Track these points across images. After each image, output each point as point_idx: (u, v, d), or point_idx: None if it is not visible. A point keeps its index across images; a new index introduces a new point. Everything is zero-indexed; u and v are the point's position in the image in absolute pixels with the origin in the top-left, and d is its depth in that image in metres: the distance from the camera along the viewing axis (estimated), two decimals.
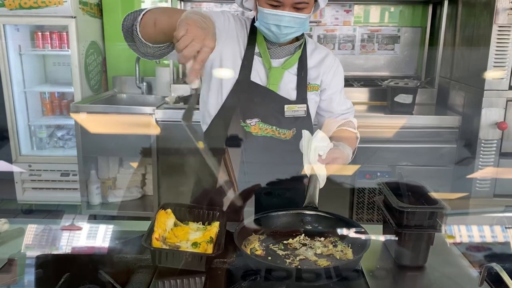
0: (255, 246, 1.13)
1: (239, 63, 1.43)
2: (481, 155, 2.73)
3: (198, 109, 1.59)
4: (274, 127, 1.44)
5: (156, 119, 2.97)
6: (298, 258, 1.09)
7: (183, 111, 1.07)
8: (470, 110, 2.83)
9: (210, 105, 1.47)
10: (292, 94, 1.46)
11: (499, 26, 2.56)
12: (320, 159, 1.27)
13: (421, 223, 1.10)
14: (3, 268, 1.08)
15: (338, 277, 0.98)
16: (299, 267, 1.05)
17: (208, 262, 1.03)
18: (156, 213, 1.15)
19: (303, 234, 1.19)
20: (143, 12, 1.20)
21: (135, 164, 3.46)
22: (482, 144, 2.72)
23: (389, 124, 2.91)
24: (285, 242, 1.16)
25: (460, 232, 1.29)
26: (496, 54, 2.59)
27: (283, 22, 1.32)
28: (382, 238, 1.25)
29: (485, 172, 2.76)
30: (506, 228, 1.29)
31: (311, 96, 1.49)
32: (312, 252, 1.12)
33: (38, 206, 3.57)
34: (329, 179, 1.29)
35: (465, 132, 2.85)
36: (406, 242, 1.12)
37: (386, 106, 3.15)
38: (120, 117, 3.03)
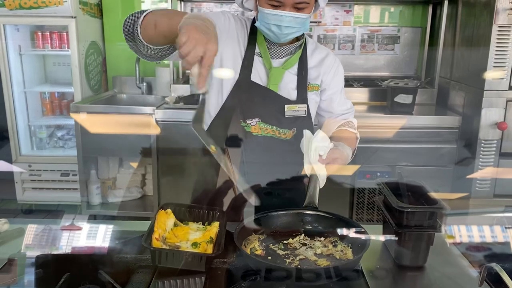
0: (255, 246, 1.13)
1: (240, 63, 1.43)
2: (481, 155, 2.74)
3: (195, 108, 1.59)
4: (274, 127, 1.44)
5: (156, 119, 2.97)
6: (298, 258, 1.09)
7: (191, 115, 1.07)
8: (470, 110, 2.83)
9: (211, 105, 1.47)
10: (292, 94, 1.46)
11: (499, 26, 2.56)
12: (321, 159, 1.27)
13: (421, 223, 1.10)
14: (3, 268, 1.08)
15: (338, 277, 0.99)
16: (299, 267, 1.05)
17: (208, 262, 1.03)
18: (156, 213, 1.15)
19: (303, 234, 1.19)
20: (144, 14, 1.20)
21: (135, 164, 3.46)
22: (482, 144, 2.72)
23: (389, 124, 2.91)
24: (285, 242, 1.16)
25: (460, 232, 1.29)
26: (496, 54, 2.59)
27: (284, 22, 1.32)
28: (382, 238, 1.25)
29: (485, 172, 2.76)
30: (506, 228, 1.29)
31: (312, 96, 1.49)
32: (312, 252, 1.12)
33: (38, 206, 3.57)
34: (329, 179, 1.29)
35: (465, 132, 2.85)
36: (406, 242, 1.12)
37: (386, 106, 3.15)
38: (120, 117, 3.03)
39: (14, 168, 3.41)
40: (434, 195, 1.16)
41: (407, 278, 1.14)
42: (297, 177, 1.37)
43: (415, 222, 1.10)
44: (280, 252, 1.12)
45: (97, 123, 3.08)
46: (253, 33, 1.45)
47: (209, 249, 1.05)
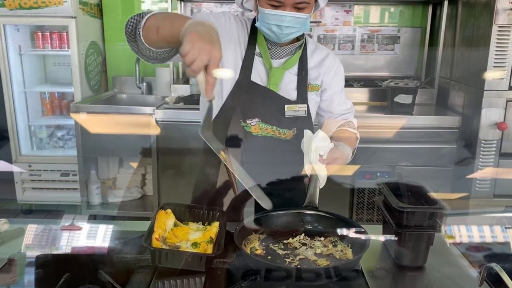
0: (255, 246, 1.13)
1: (240, 64, 1.43)
2: (481, 156, 2.74)
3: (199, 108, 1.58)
4: (274, 127, 1.44)
5: (156, 119, 2.98)
6: (298, 258, 1.09)
7: (200, 122, 1.06)
8: (470, 110, 2.83)
9: None
10: (292, 94, 1.46)
11: (499, 27, 2.56)
12: (321, 159, 1.27)
13: (421, 223, 1.10)
14: (3, 268, 1.08)
15: (337, 277, 0.99)
16: (298, 266, 1.05)
17: (208, 262, 1.03)
18: (156, 213, 1.15)
19: (303, 234, 1.19)
20: (146, 17, 1.20)
21: (135, 164, 3.46)
22: (482, 145, 2.72)
23: (389, 125, 2.91)
24: (285, 241, 1.16)
25: (460, 232, 1.29)
26: (496, 55, 2.60)
27: (284, 22, 1.32)
28: (382, 238, 1.25)
29: (485, 172, 2.76)
30: (506, 228, 1.29)
31: (312, 96, 1.49)
32: (312, 252, 1.12)
33: (38, 206, 3.57)
34: (329, 179, 1.29)
35: (465, 133, 2.86)
36: (405, 242, 1.12)
37: (386, 107, 3.15)
38: (120, 117, 3.03)
39: (14, 168, 3.41)
40: (434, 195, 1.16)
41: (407, 278, 1.14)
42: (297, 177, 1.37)
43: (415, 222, 1.10)
44: (280, 252, 1.12)
45: (97, 123, 3.08)
46: (253, 34, 1.45)
47: (209, 249, 1.05)
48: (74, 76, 3.26)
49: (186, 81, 3.56)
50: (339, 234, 1.17)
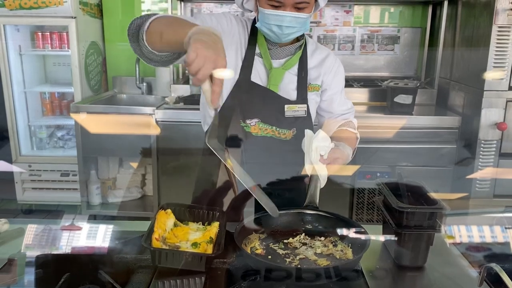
0: (255, 245, 1.13)
1: (240, 64, 1.43)
2: (480, 156, 2.74)
3: (198, 108, 1.58)
4: (274, 127, 1.44)
5: (156, 119, 2.98)
6: (298, 258, 1.09)
7: (206, 132, 1.06)
8: (470, 110, 2.83)
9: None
10: (292, 95, 1.46)
11: (499, 27, 2.56)
12: (322, 159, 1.27)
13: (420, 224, 1.10)
14: (3, 268, 1.08)
15: (337, 276, 0.99)
16: (299, 266, 1.05)
17: (208, 262, 1.04)
18: (156, 213, 1.15)
19: (303, 234, 1.19)
20: (149, 20, 1.19)
21: (135, 164, 3.46)
22: (482, 145, 2.72)
23: (389, 125, 2.91)
24: (285, 241, 1.16)
25: (460, 232, 1.29)
26: (495, 55, 2.60)
27: (285, 22, 1.33)
28: (381, 238, 1.25)
29: (484, 172, 2.76)
30: (505, 228, 1.29)
31: (312, 96, 1.49)
32: (312, 252, 1.12)
33: (38, 206, 3.57)
34: (329, 179, 1.29)
35: (465, 133, 2.86)
36: (405, 243, 1.12)
37: (386, 107, 3.15)
38: (120, 117, 3.03)
39: (14, 168, 3.41)
40: (434, 195, 1.16)
41: (406, 278, 1.14)
42: (297, 177, 1.37)
43: (414, 222, 1.10)
44: (280, 252, 1.12)
45: (97, 123, 3.08)
46: (254, 34, 1.45)
47: (209, 249, 1.05)
48: (74, 76, 3.26)
49: (186, 81, 3.56)
50: (340, 234, 1.17)
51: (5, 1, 3.12)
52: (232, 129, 1.42)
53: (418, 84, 3.11)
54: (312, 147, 1.27)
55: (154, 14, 1.22)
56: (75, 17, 3.16)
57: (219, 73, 0.97)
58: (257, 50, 1.45)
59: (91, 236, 1.23)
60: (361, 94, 3.35)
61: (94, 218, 3.28)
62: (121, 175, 3.54)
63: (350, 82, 3.42)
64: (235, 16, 1.48)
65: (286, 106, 1.44)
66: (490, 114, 2.68)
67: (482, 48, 2.66)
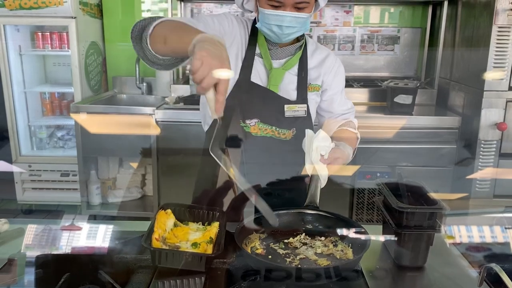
0: (255, 245, 1.13)
1: (240, 64, 1.44)
2: (480, 156, 2.74)
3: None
4: (273, 127, 1.44)
5: (156, 119, 2.98)
6: (298, 257, 1.09)
7: (209, 140, 1.06)
8: (470, 110, 2.84)
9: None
10: (292, 95, 1.46)
11: (499, 27, 2.56)
12: (322, 159, 1.27)
13: (420, 224, 1.10)
14: (3, 268, 1.08)
15: (337, 277, 0.99)
16: (299, 266, 1.06)
17: (208, 262, 1.03)
18: (156, 214, 1.15)
19: (303, 233, 1.19)
20: (153, 24, 1.19)
21: (135, 165, 3.46)
22: (482, 145, 2.72)
23: (389, 125, 2.91)
24: (285, 241, 1.16)
25: (460, 232, 1.29)
26: (495, 55, 2.60)
27: (285, 22, 1.33)
28: (381, 238, 1.25)
29: (484, 172, 2.76)
30: (505, 228, 1.29)
31: (312, 97, 1.49)
32: (312, 252, 1.12)
33: (38, 206, 3.57)
34: (329, 179, 1.29)
35: (464, 133, 2.86)
36: (405, 243, 1.12)
37: (386, 107, 3.15)
38: (120, 117, 3.03)
39: (14, 168, 3.41)
40: (433, 195, 1.16)
41: (406, 278, 1.14)
42: (297, 177, 1.37)
43: (414, 222, 1.10)
44: (281, 251, 1.12)
45: (97, 123, 3.08)
46: (254, 34, 1.45)
47: (209, 249, 1.05)
48: (74, 76, 3.27)
49: (186, 81, 3.56)
50: (340, 234, 1.17)
51: (5, 1, 3.12)
52: (232, 129, 1.42)
53: (418, 84, 3.11)
54: (313, 147, 1.27)
55: (158, 17, 1.22)
56: (75, 17, 3.16)
57: (223, 83, 0.96)
58: (257, 51, 1.45)
59: (91, 236, 1.23)
60: (361, 94, 3.35)
61: (94, 218, 3.28)
62: (121, 175, 3.54)
63: (350, 82, 3.42)
64: (235, 16, 1.48)
65: (286, 106, 1.44)
66: (490, 114, 2.68)
67: (482, 48, 2.66)
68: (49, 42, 3.40)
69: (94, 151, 3.22)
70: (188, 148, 2.70)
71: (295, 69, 1.47)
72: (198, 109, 1.63)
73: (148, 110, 3.00)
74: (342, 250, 1.12)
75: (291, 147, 1.44)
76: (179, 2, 3.52)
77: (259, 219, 1.18)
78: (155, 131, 2.99)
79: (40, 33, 3.39)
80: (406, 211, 1.09)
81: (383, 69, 3.68)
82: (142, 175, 3.54)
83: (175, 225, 1.16)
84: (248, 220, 1.16)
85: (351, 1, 3.57)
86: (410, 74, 3.66)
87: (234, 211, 1.36)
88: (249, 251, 1.09)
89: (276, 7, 1.32)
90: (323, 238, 1.17)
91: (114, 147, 3.17)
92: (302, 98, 1.47)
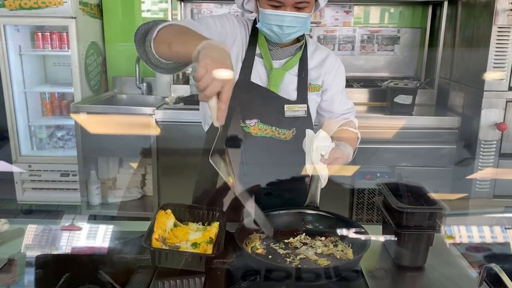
0: (256, 245, 1.13)
1: (240, 64, 1.44)
2: (480, 156, 2.74)
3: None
4: (273, 128, 1.44)
5: (156, 119, 2.98)
6: (298, 257, 1.09)
7: (210, 147, 1.06)
8: (470, 111, 2.84)
9: None
10: (292, 95, 1.46)
11: (499, 27, 2.56)
12: (322, 159, 1.27)
13: (420, 224, 1.10)
14: (3, 268, 1.08)
15: (337, 277, 0.99)
16: (299, 266, 1.06)
17: (207, 263, 1.04)
18: (156, 214, 1.15)
19: (304, 233, 1.19)
20: (158, 28, 1.18)
21: (135, 165, 3.46)
22: (482, 145, 2.72)
23: (388, 125, 2.91)
24: (286, 241, 1.16)
25: (460, 232, 1.29)
26: (495, 55, 2.60)
27: (285, 22, 1.33)
28: (381, 238, 1.25)
29: (484, 172, 2.76)
30: (505, 228, 1.29)
31: (312, 97, 1.49)
32: (312, 252, 1.12)
33: (38, 206, 3.57)
34: (329, 179, 1.29)
35: (464, 133, 2.86)
36: (405, 243, 1.12)
37: (386, 107, 3.15)
38: (120, 117, 3.03)
39: (14, 168, 3.41)
40: (433, 195, 1.16)
41: (406, 278, 1.14)
42: (297, 177, 1.37)
43: (414, 222, 1.10)
44: (281, 251, 1.12)
45: (97, 124, 3.08)
46: (254, 34, 1.45)
47: (209, 250, 1.05)
48: (74, 76, 3.27)
49: (186, 82, 3.56)
50: (340, 234, 1.17)
51: (5, 1, 3.12)
52: (232, 129, 1.42)
53: (418, 85, 3.11)
54: (313, 147, 1.27)
55: (162, 21, 1.22)
56: (75, 17, 3.16)
57: (227, 91, 0.96)
58: (258, 51, 1.45)
59: (91, 236, 1.23)
60: (361, 94, 3.35)
61: (94, 218, 3.28)
62: (121, 175, 3.54)
63: (350, 82, 3.43)
64: (236, 16, 1.48)
65: (286, 106, 1.44)
66: (490, 115, 2.68)
67: (482, 48, 2.66)
68: (49, 42, 3.40)
69: (94, 151, 3.22)
70: (188, 148, 2.69)
71: (295, 69, 1.47)
72: (198, 109, 1.63)
73: (148, 110, 3.00)
74: (342, 250, 1.12)
75: (291, 147, 1.44)
76: (179, 2, 3.51)
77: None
78: (155, 131, 2.99)
79: (40, 33, 3.39)
80: (406, 211, 1.09)
81: (383, 69, 3.68)
82: (142, 175, 3.54)
83: (175, 225, 1.16)
84: (248, 220, 1.16)
85: (351, 1, 3.57)
86: (410, 74, 3.66)
87: (234, 211, 1.36)
88: (249, 251, 1.09)
89: (276, 7, 1.32)
90: (323, 238, 1.17)
91: (114, 147, 3.17)
92: (302, 98, 1.47)
